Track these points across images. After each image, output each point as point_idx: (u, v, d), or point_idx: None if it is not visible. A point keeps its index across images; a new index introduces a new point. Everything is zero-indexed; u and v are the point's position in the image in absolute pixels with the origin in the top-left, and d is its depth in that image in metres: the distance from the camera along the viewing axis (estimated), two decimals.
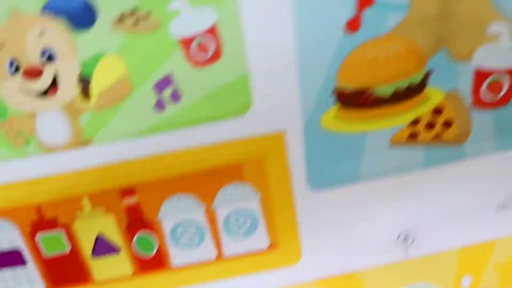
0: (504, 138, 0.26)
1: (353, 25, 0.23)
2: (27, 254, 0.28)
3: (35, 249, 0.27)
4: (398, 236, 0.29)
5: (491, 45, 0.24)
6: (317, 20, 0.23)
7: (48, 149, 0.25)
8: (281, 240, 0.28)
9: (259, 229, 0.28)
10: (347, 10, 0.23)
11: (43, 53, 0.26)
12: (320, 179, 0.27)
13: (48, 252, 0.28)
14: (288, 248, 0.28)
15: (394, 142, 0.26)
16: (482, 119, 0.26)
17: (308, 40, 0.23)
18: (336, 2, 0.22)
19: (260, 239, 0.28)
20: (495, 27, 0.23)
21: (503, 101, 0.25)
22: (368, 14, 0.23)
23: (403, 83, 0.25)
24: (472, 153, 0.27)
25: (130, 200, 0.27)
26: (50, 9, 0.24)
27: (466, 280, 0.30)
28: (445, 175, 0.27)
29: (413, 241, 0.29)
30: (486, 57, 0.24)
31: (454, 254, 0.29)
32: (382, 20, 0.23)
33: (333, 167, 0.26)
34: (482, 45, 0.24)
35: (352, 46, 0.23)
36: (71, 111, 0.26)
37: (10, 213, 0.27)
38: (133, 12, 0.22)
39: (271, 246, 0.29)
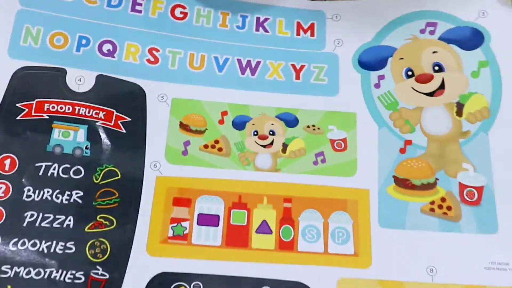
0: (477, 224, 0.50)
1: (402, 150, 0.53)
2: (221, 220, 0.50)
3: (227, 218, 0.50)
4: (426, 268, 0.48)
5: (464, 173, 0.52)
6: (388, 142, 0.53)
7: (257, 169, 0.51)
8: (361, 251, 0.49)
9: (349, 242, 0.49)
10: (400, 144, 0.53)
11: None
12: (384, 221, 0.50)
13: (234, 222, 0.50)
14: (364, 257, 0.49)
15: (423, 211, 0.51)
16: (467, 211, 0.51)
17: (383, 149, 0.53)
18: (394, 142, 0.53)
19: (349, 248, 0.49)
20: (464, 165, 0.53)
21: (476, 203, 0.51)
22: (408, 148, 0.53)
23: (424, 181, 0.52)
24: (465, 229, 0.50)
25: (287, 205, 0.51)
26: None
27: None
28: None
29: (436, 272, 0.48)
30: (463, 178, 0.52)
31: None
32: (415, 151, 0.53)
33: (391, 217, 0.50)
34: (460, 172, 0.52)
35: (402, 159, 0.53)
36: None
37: (222, 194, 0.50)
38: None
39: (355, 254, 0.49)
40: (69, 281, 0.46)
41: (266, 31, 0.57)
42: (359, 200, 0.51)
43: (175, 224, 0.49)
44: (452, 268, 0.48)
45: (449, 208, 0.51)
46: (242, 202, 0.50)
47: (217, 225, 0.49)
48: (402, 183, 0.51)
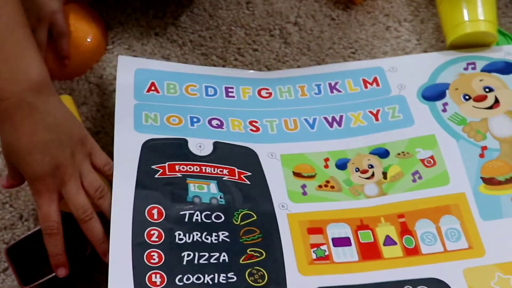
0: None
1: (481, 156, 0.63)
2: (352, 240, 0.58)
3: (357, 238, 0.58)
4: None
5: None
6: (468, 151, 0.63)
7: (368, 197, 0.61)
8: (473, 244, 0.58)
9: (462, 238, 0.58)
10: (478, 151, 0.63)
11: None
12: (485, 215, 0.59)
13: (363, 240, 0.58)
14: (477, 248, 0.57)
15: None
16: None
17: (466, 157, 0.63)
18: (472, 150, 0.63)
19: (463, 243, 0.58)
20: None
21: None
22: (486, 152, 0.63)
23: (507, 176, 0.62)
24: None
25: (402, 220, 0.60)
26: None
27: None
28: None
29: None
30: None
31: None
32: (492, 154, 0.63)
33: (489, 210, 0.59)
34: None
35: (483, 162, 0.63)
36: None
37: (346, 221, 0.59)
38: None
39: (469, 247, 0.58)
40: None
41: (339, 91, 0.69)
42: (459, 203, 0.60)
43: (316, 248, 0.58)
44: None
45: None
46: (364, 224, 0.60)
47: (350, 244, 0.58)
48: (489, 181, 0.61)
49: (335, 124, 0.67)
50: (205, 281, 0.54)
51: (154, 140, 0.63)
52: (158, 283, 0.54)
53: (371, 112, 0.67)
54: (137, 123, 0.64)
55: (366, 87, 0.70)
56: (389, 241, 0.59)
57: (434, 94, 0.68)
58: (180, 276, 0.54)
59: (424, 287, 0.55)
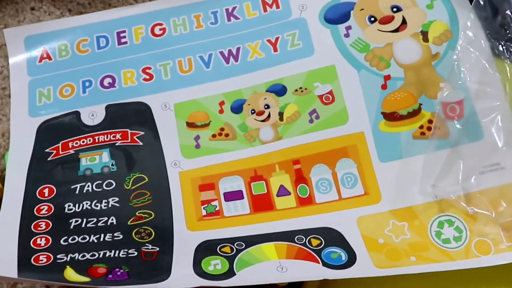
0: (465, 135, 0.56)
1: (384, 87, 0.59)
2: (244, 193, 0.57)
3: (250, 191, 0.57)
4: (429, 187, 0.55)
5: (443, 92, 0.58)
6: (369, 83, 0.59)
7: (263, 143, 0.58)
8: (370, 189, 0.56)
9: (358, 184, 0.56)
10: (380, 81, 0.59)
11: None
12: (383, 156, 0.57)
13: (255, 192, 0.57)
14: (373, 193, 0.56)
15: (414, 137, 0.57)
16: (452, 125, 0.57)
17: (367, 90, 0.59)
18: (374, 80, 0.59)
19: (359, 189, 0.56)
20: (442, 84, 0.58)
21: (459, 116, 0.57)
22: (389, 83, 0.59)
23: (410, 109, 0.58)
24: (455, 143, 0.56)
25: (297, 166, 0.57)
26: None
27: None
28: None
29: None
30: (443, 97, 0.58)
31: None
32: (395, 84, 0.59)
33: (388, 150, 0.57)
34: (439, 92, 0.58)
35: (385, 94, 0.58)
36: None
37: (239, 172, 0.57)
38: None
39: (365, 193, 0.56)
40: (124, 256, 0.53)
41: (237, 18, 0.63)
42: (357, 144, 0.57)
43: (206, 205, 0.56)
44: (452, 181, 0.54)
45: (437, 127, 0.56)
46: (258, 174, 0.57)
47: (242, 198, 0.57)
48: (390, 116, 0.57)
49: (231, 59, 0.62)
50: (91, 240, 0.55)
51: (49, 121, 0.61)
52: (42, 244, 0.54)
53: (269, 41, 0.62)
54: (32, 106, 0.62)
55: (265, 10, 0.63)
56: (282, 191, 0.57)
57: (337, 15, 0.62)
58: (66, 237, 0.55)
59: (316, 235, 0.54)
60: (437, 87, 0.57)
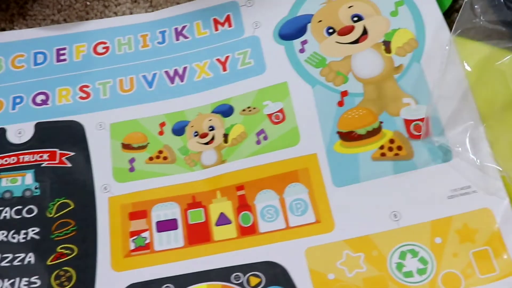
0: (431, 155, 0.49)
1: (340, 103, 0.52)
2: (179, 222, 0.50)
3: (185, 219, 0.50)
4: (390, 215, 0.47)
5: (406, 108, 0.51)
6: (325, 99, 0.52)
7: (205, 167, 0.52)
8: (322, 217, 0.48)
9: (309, 210, 0.49)
10: (336, 97, 0.52)
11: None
12: (338, 180, 0.49)
13: (192, 221, 0.50)
14: (326, 221, 0.48)
15: (374, 158, 0.50)
16: (417, 145, 0.50)
17: (321, 107, 0.52)
18: (330, 97, 0.53)
19: (309, 217, 0.48)
20: (405, 100, 0.51)
21: (425, 135, 0.50)
22: (346, 99, 0.52)
23: (369, 127, 0.51)
24: (420, 164, 0.49)
25: (240, 192, 0.50)
26: None
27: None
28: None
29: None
30: (407, 114, 0.51)
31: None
32: (353, 100, 0.52)
33: (344, 174, 0.50)
34: (402, 109, 0.51)
35: (342, 112, 0.52)
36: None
37: (176, 198, 0.50)
38: None
39: (317, 221, 0.48)
40: None
41: (186, 37, 0.58)
42: (309, 167, 0.50)
43: (135, 237, 0.50)
44: (415, 207, 0.47)
45: (399, 148, 0.50)
46: (197, 201, 0.51)
47: (176, 228, 0.50)
48: (347, 136, 0.51)
49: (177, 79, 0.56)
50: (4, 287, 0.48)
51: None
52: None
53: (219, 60, 0.56)
54: None
55: (216, 29, 0.58)
56: (222, 219, 0.50)
57: (293, 30, 0.56)
58: None
59: (256, 272, 0.47)
60: (400, 103, 0.51)
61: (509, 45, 0.51)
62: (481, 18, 0.51)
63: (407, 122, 0.50)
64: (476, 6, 0.52)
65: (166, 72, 0.57)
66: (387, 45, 0.53)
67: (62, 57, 0.59)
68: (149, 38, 0.59)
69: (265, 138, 0.52)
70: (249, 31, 0.57)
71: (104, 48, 0.59)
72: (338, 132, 0.51)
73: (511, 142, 0.48)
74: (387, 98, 0.51)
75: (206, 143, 0.53)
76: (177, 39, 0.58)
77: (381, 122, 0.51)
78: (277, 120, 0.52)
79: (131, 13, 0.62)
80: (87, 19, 0.63)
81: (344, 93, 0.52)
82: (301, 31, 0.56)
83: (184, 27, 0.59)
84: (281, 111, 0.53)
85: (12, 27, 0.64)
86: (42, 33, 0.61)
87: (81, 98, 0.56)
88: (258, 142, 0.52)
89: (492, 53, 0.51)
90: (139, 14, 0.61)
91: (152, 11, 0.61)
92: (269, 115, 0.53)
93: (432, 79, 0.51)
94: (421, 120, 0.50)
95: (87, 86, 0.57)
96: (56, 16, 0.65)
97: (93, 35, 0.60)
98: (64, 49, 0.60)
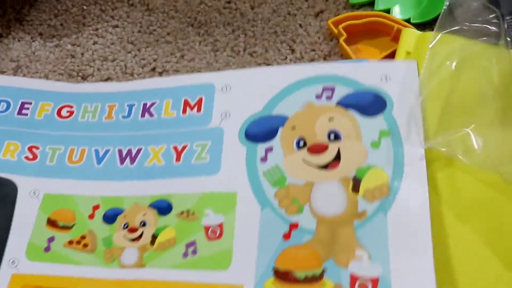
0: None
1: (286, 236, 0.46)
2: None
3: None
4: None
5: (356, 262, 0.44)
6: (271, 227, 0.46)
7: (122, 266, 0.46)
8: None
9: None
10: (284, 228, 0.46)
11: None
12: None
13: None
14: None
15: None
16: None
17: (265, 235, 0.46)
18: (277, 225, 0.46)
19: None
20: (358, 252, 0.45)
21: None
22: (294, 233, 0.46)
23: (309, 272, 0.44)
24: None
25: None
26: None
27: None
28: None
29: None
30: (355, 268, 0.44)
31: None
32: (302, 237, 0.46)
33: None
34: (352, 261, 0.44)
35: (285, 246, 0.46)
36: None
37: None
38: None
39: None
40: None
41: (151, 115, 0.53)
42: None
43: None
44: None
45: None
46: None
47: None
48: (283, 276, 0.44)
49: (127, 160, 0.51)
50: None
51: None
52: None
53: (175, 148, 0.51)
54: None
55: (184, 111, 0.53)
56: None
57: (262, 130, 0.50)
58: None
59: None
60: (352, 254, 0.45)
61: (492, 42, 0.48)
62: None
63: (353, 278, 0.44)
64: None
65: (120, 151, 0.52)
66: (356, 182, 0.46)
67: (24, 111, 0.55)
68: (116, 110, 0.54)
69: (194, 252, 0.46)
70: (216, 121, 0.52)
71: (68, 112, 0.55)
72: (275, 269, 0.45)
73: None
74: (338, 245, 0.45)
75: (133, 239, 0.48)
76: (143, 116, 0.54)
77: (324, 270, 0.44)
78: (213, 236, 0.47)
79: (128, 17, 0.62)
80: (83, 24, 0.62)
81: (294, 226, 0.46)
82: (270, 134, 0.50)
83: (153, 103, 0.54)
84: (220, 226, 0.47)
85: (9, 32, 0.63)
86: (12, 82, 0.58)
87: (27, 158, 0.52)
88: (185, 255, 0.46)
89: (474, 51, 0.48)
90: (119, 82, 0.58)
91: (149, 14, 0.61)
92: (206, 228, 0.47)
93: (394, 237, 0.44)
94: (370, 279, 0.43)
95: (36, 148, 0.53)
96: (53, 21, 0.63)
97: (60, 96, 0.56)
98: (30, 103, 0.56)
